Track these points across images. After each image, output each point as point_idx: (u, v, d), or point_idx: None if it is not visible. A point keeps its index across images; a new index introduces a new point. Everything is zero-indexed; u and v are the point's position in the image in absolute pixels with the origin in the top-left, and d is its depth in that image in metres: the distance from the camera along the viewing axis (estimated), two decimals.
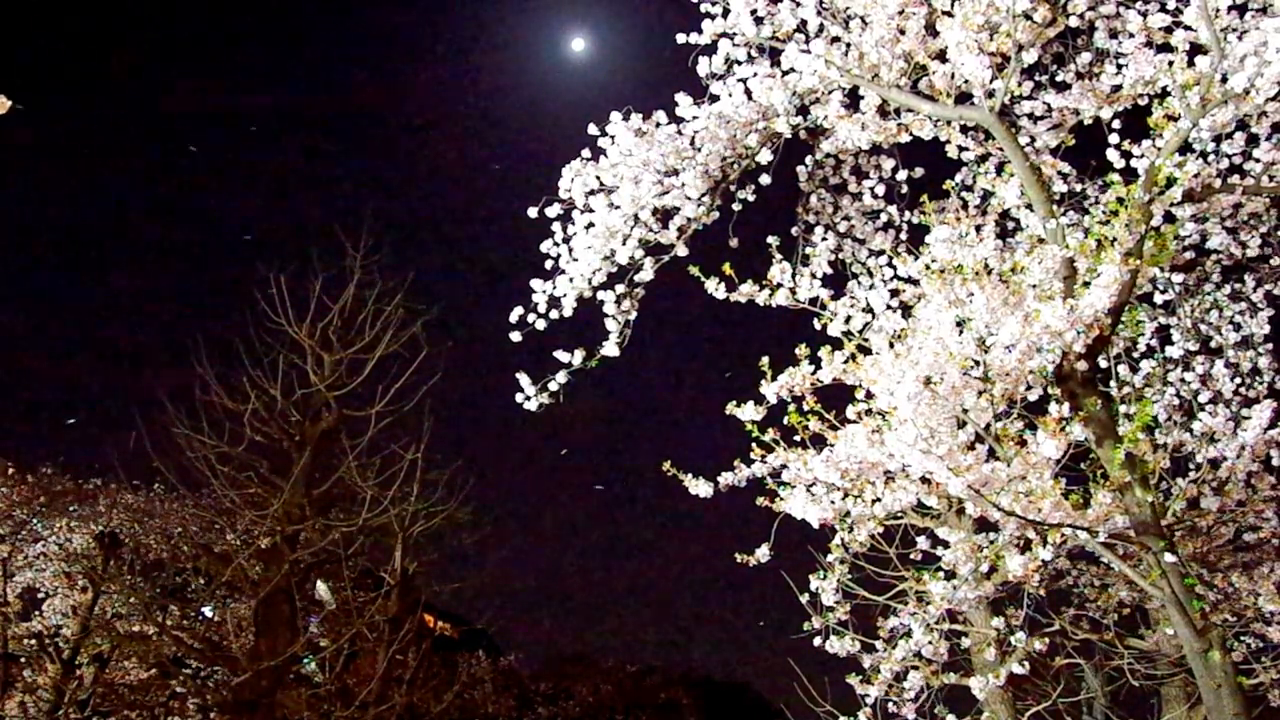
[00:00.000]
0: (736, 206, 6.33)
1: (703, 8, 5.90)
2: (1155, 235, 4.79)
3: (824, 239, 6.75)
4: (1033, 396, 5.00)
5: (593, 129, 5.97)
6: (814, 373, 5.17)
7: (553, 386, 6.08)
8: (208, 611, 13.58)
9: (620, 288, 6.16)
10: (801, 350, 5.20)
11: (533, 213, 6.15)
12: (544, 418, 6.20)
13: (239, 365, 12.05)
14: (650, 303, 6.25)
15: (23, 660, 12.91)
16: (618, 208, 5.98)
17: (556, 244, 6.22)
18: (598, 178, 6.01)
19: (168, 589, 13.35)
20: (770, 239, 5.58)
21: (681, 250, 6.15)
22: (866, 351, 4.98)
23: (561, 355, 6.06)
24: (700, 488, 5.42)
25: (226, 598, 13.16)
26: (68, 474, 14.41)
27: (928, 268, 4.79)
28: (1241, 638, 7.09)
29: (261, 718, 10.57)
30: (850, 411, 4.91)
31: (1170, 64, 5.16)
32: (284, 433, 11.98)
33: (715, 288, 5.57)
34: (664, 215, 6.19)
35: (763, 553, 5.59)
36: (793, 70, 5.70)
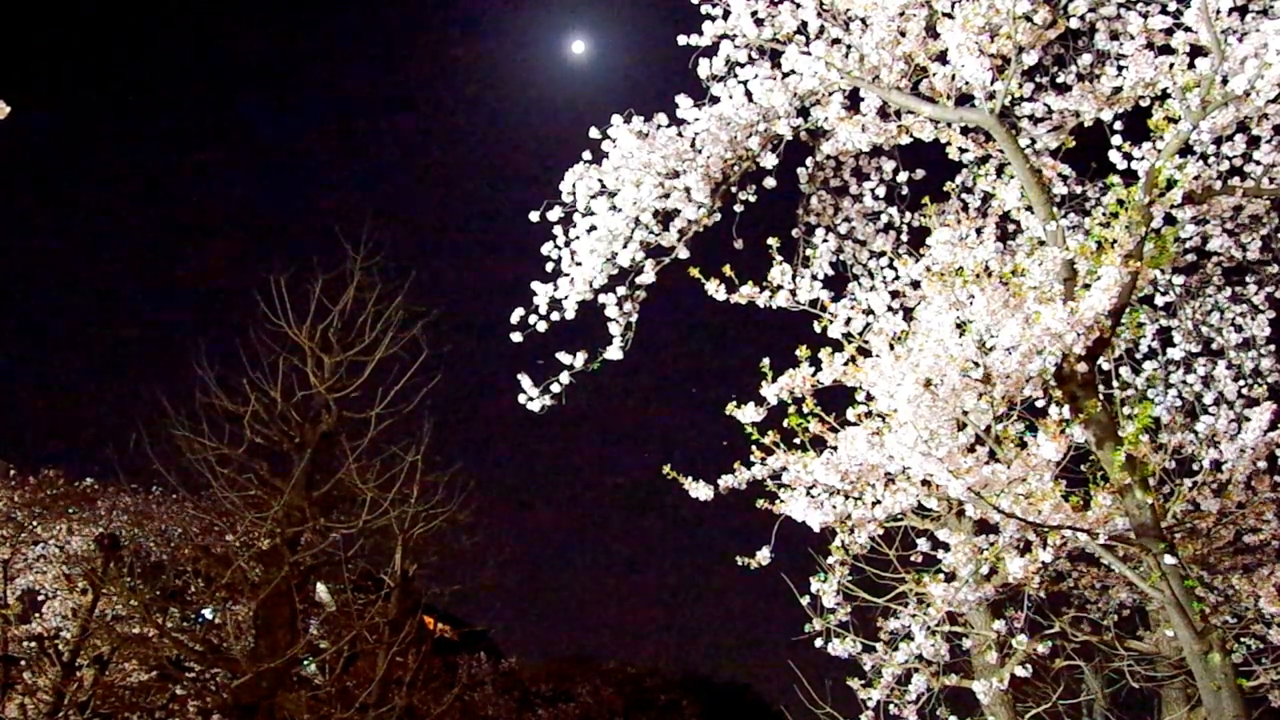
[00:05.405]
0: (738, 209, 6.33)
1: (703, 9, 5.90)
2: (1156, 237, 4.79)
3: (824, 241, 6.75)
4: (1032, 398, 5.00)
5: (594, 132, 5.97)
6: (814, 375, 5.17)
7: (555, 388, 6.08)
8: (208, 614, 13.54)
9: (621, 289, 6.16)
10: (802, 352, 5.19)
11: (534, 216, 6.16)
12: (544, 419, 6.20)
13: (239, 367, 12.08)
14: (651, 305, 6.26)
15: (23, 662, 12.89)
16: (619, 210, 5.98)
17: (558, 246, 6.23)
18: (600, 180, 6.01)
19: (168, 591, 13.30)
20: (770, 241, 5.58)
21: (682, 252, 6.15)
22: (867, 353, 4.98)
23: (564, 357, 6.07)
24: (700, 490, 5.42)
25: (227, 600, 13.12)
26: (62, 478, 14.38)
27: (928, 270, 4.79)
28: (1241, 640, 7.08)
29: None
30: (850, 414, 4.91)
31: (1171, 66, 5.16)
32: (284, 435, 11.98)
33: (716, 289, 5.57)
34: (665, 217, 6.19)
35: (763, 555, 5.58)
36: (793, 72, 5.71)
